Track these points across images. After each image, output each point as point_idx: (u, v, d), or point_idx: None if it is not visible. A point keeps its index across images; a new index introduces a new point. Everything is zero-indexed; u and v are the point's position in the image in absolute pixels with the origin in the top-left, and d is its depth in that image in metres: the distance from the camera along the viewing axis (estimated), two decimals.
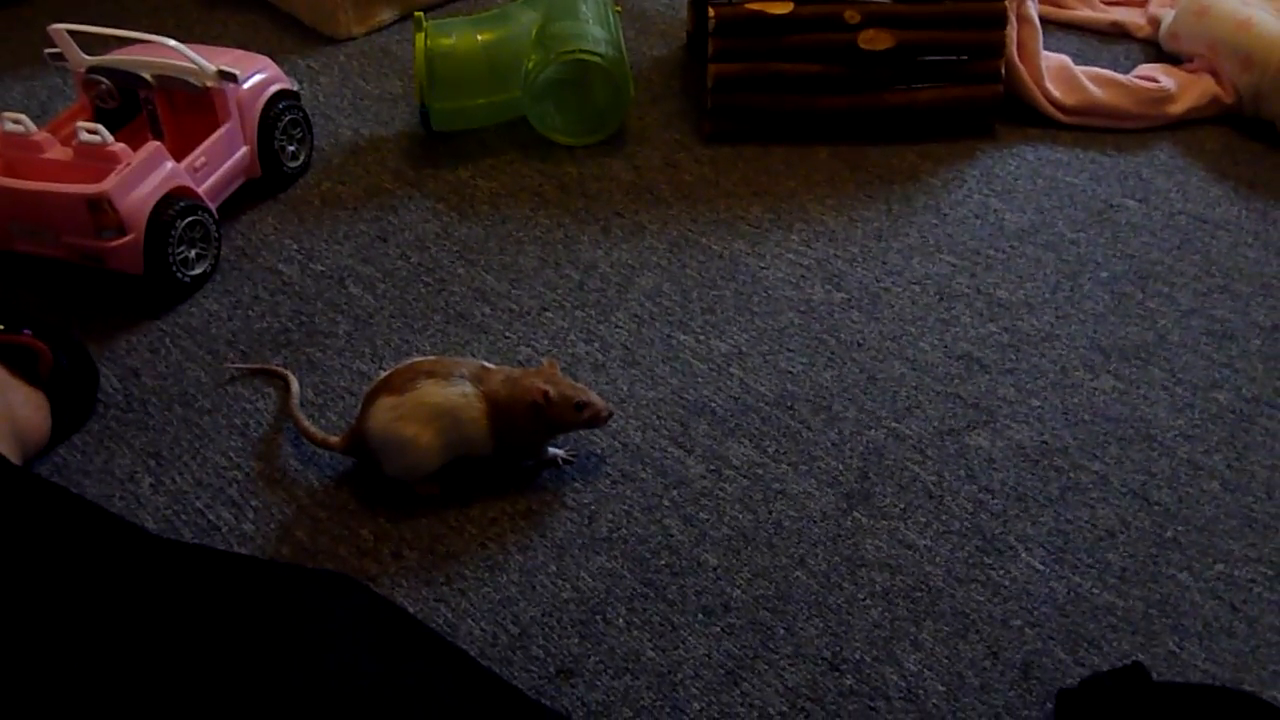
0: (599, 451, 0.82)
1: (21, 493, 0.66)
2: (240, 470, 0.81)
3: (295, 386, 0.85)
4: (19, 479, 0.68)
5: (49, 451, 0.82)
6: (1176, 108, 1.19)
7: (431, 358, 0.77)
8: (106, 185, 0.87)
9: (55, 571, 0.59)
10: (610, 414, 0.77)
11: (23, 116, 0.93)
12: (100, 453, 0.82)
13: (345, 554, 0.75)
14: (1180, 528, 0.77)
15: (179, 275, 0.94)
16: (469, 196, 1.08)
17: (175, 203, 0.92)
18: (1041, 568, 0.75)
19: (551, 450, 0.80)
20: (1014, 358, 0.91)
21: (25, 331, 0.81)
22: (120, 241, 0.89)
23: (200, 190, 0.96)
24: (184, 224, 0.93)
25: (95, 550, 0.61)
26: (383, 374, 0.78)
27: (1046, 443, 0.83)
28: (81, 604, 0.57)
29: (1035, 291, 0.98)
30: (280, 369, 0.88)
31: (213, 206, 0.98)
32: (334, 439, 0.80)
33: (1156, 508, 0.79)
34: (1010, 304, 0.96)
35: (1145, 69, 1.24)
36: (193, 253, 0.95)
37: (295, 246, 1.02)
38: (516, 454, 0.79)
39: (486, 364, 0.78)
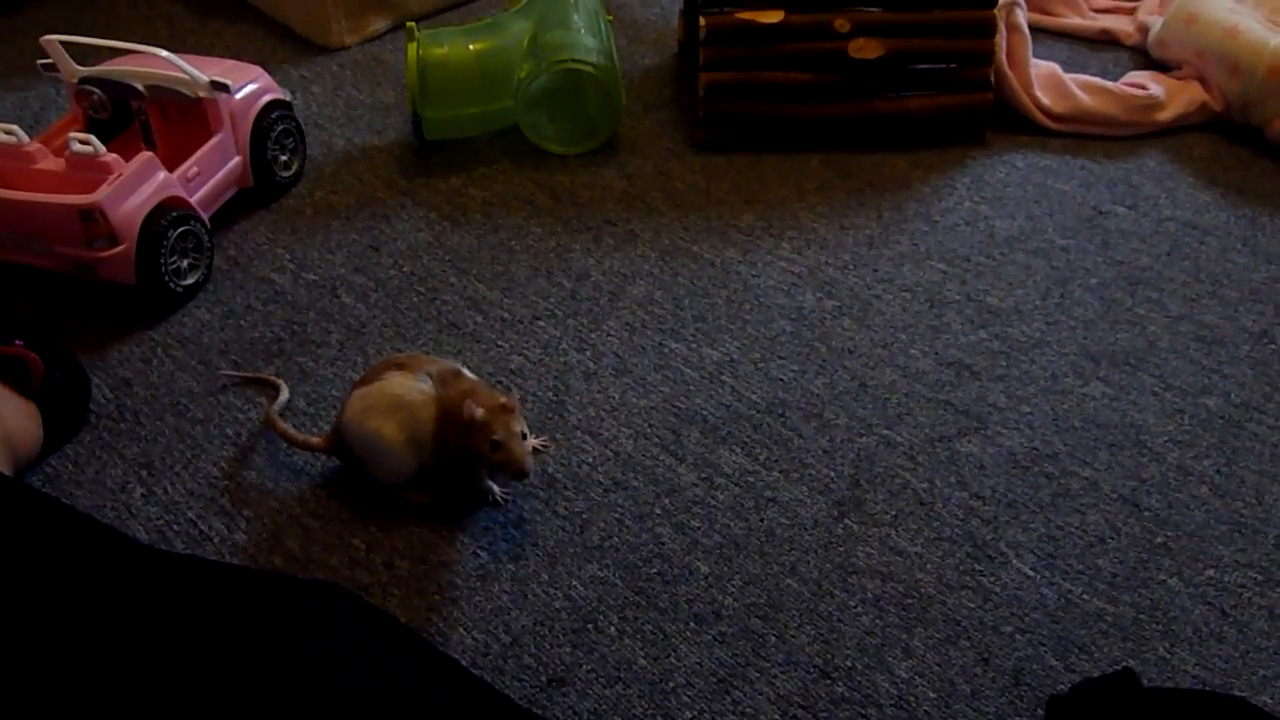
0: (590, 460, 0.82)
1: (13, 504, 0.65)
2: (232, 480, 0.80)
3: (284, 395, 0.86)
4: (10, 490, 0.67)
5: (40, 462, 0.81)
6: (1165, 115, 1.20)
7: (411, 354, 0.77)
8: (98, 196, 0.87)
9: (46, 583, 0.59)
10: (525, 475, 0.73)
11: (15, 127, 0.93)
12: (92, 463, 0.82)
13: (337, 563, 0.75)
14: (1170, 533, 0.78)
15: (171, 285, 0.94)
16: (461, 205, 1.08)
17: (167, 213, 0.92)
18: (1032, 574, 0.75)
19: (490, 484, 0.78)
20: (1004, 364, 0.91)
21: (17, 342, 0.81)
22: (112, 252, 0.89)
23: (192, 200, 0.96)
24: (176, 234, 0.93)
25: (87, 561, 0.61)
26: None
27: (1037, 449, 0.84)
28: (73, 615, 0.57)
29: (1025, 298, 0.98)
30: (273, 378, 0.88)
31: (205, 216, 0.98)
32: (315, 440, 0.80)
33: (1146, 513, 0.79)
34: (1000, 311, 0.97)
35: (1134, 76, 1.25)
36: (185, 263, 0.95)
37: (288, 256, 1.02)
38: (454, 469, 0.77)
39: (464, 371, 0.77)
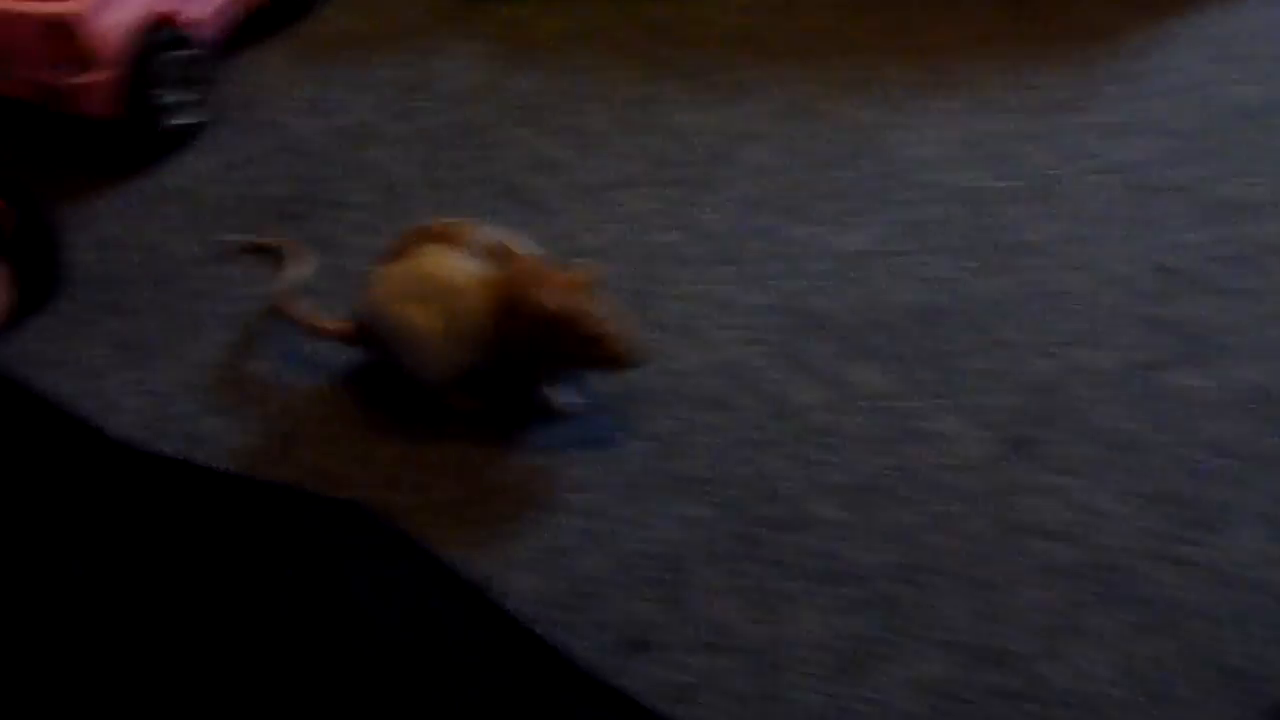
0: (684, 369, 0.79)
1: None
2: (233, 370, 0.80)
3: (300, 269, 0.84)
4: None
5: (10, 332, 0.82)
6: None
7: (453, 220, 0.75)
8: (76, 5, 0.85)
9: (12, 477, 0.59)
10: (633, 364, 0.70)
11: None
12: (70, 340, 0.82)
13: (361, 480, 0.73)
14: None
15: (162, 124, 0.93)
16: (527, 39, 1.06)
17: (159, 32, 0.90)
18: (1263, 548, 0.70)
19: (551, 391, 0.75)
20: (1239, 275, 0.85)
21: None
22: (89, 78, 0.87)
23: (192, 19, 0.94)
24: (169, 60, 0.91)
25: (58, 455, 0.61)
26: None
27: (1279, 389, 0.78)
28: (43, 515, 0.57)
29: (1272, 190, 0.92)
30: (286, 244, 0.87)
31: (208, 39, 0.97)
32: (335, 326, 0.79)
33: None
34: (1235, 203, 0.91)
35: None
36: (180, 97, 0.94)
37: (307, 96, 1.01)
38: (515, 371, 0.74)
39: (517, 243, 0.74)
